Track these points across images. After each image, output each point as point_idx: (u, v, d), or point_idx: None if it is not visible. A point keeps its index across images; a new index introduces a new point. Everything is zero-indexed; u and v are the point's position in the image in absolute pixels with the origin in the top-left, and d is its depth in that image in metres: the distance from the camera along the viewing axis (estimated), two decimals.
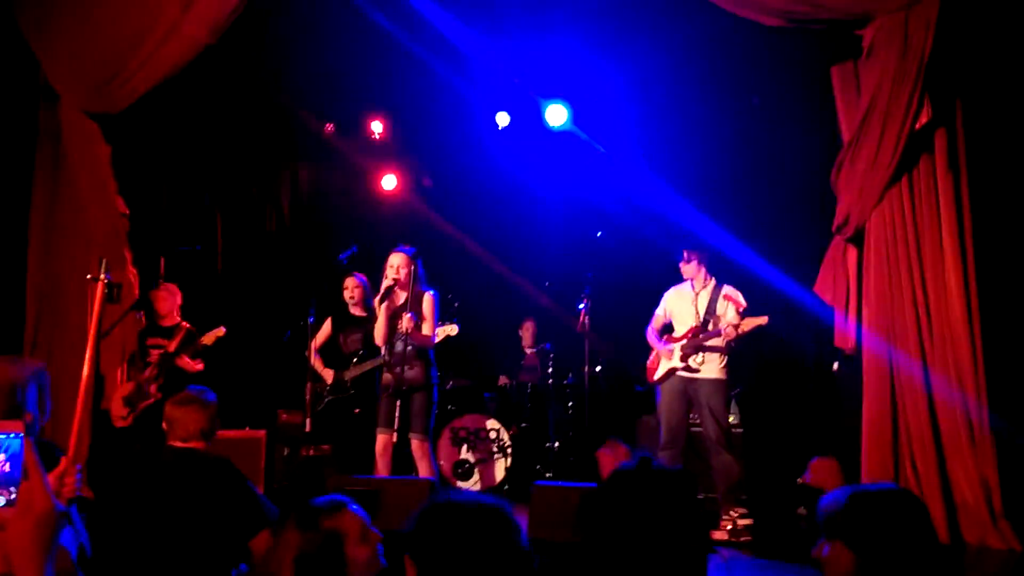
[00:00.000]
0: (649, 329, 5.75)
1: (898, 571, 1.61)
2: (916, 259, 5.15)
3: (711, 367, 5.45)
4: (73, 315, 5.46)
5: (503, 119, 7.53)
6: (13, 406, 2.22)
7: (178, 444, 3.17)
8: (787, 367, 6.76)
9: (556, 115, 7.24)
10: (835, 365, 5.89)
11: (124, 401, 5.71)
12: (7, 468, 1.30)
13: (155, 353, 5.83)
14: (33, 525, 1.27)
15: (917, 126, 5.04)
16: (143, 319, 6.00)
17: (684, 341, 5.50)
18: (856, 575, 1.63)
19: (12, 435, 1.31)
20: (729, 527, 5.20)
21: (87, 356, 2.06)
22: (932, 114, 5.08)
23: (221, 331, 5.95)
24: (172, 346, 5.77)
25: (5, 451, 1.31)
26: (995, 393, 4.97)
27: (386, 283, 5.34)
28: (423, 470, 5.34)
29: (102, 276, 2.44)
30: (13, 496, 1.30)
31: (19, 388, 2.25)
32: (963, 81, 5.14)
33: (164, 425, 3.23)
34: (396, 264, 5.38)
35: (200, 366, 5.97)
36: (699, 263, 5.58)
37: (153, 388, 5.74)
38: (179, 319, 6.01)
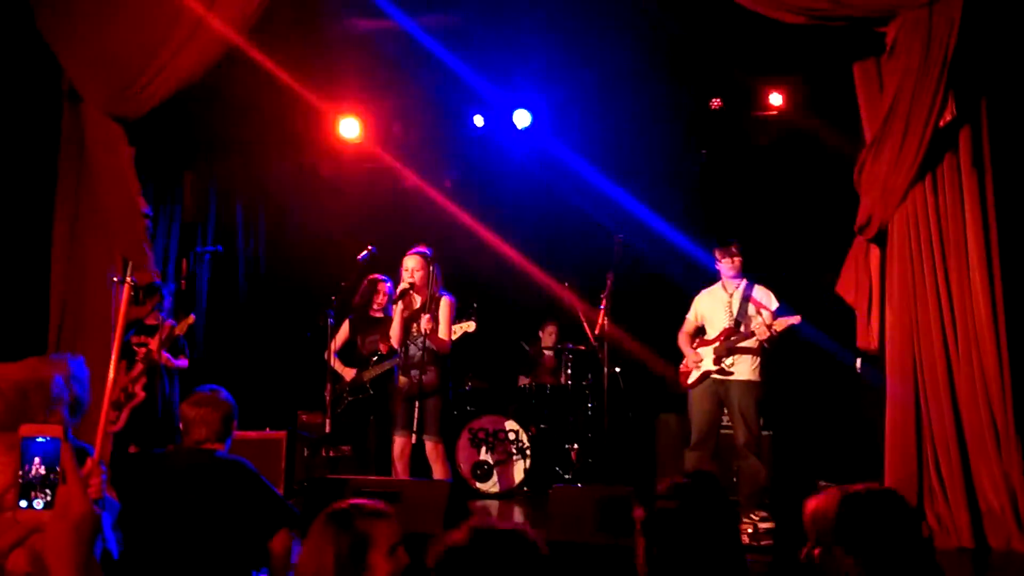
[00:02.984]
0: (681, 334, 5.71)
1: (900, 570, 1.60)
2: (940, 259, 5.09)
3: (743, 368, 5.41)
4: (97, 316, 5.50)
5: (523, 119, 7.53)
6: (48, 405, 2.24)
7: (193, 445, 3.18)
8: (814, 368, 6.70)
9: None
10: (858, 363, 5.82)
11: (112, 406, 5.67)
12: (43, 471, 1.31)
13: (141, 351, 5.82)
14: (71, 529, 1.28)
15: (941, 124, 4.98)
16: (162, 320, 6.01)
17: (716, 344, 5.46)
18: None
19: (49, 439, 1.32)
20: (750, 530, 5.17)
21: (113, 357, 2.07)
22: (956, 112, 5.01)
23: (191, 319, 6.00)
24: (154, 344, 5.76)
25: (42, 454, 1.32)
26: (1021, 395, 4.90)
27: (402, 286, 5.34)
28: (438, 472, 5.35)
29: (128, 278, 2.45)
30: (50, 499, 1.31)
31: (53, 386, 2.27)
32: (988, 78, 5.08)
33: (180, 425, 3.23)
34: (411, 267, 5.39)
35: (184, 363, 5.99)
36: (741, 262, 5.52)
37: (139, 388, 5.73)
38: (162, 318, 5.97)
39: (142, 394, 5.75)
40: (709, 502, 1.72)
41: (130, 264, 2.61)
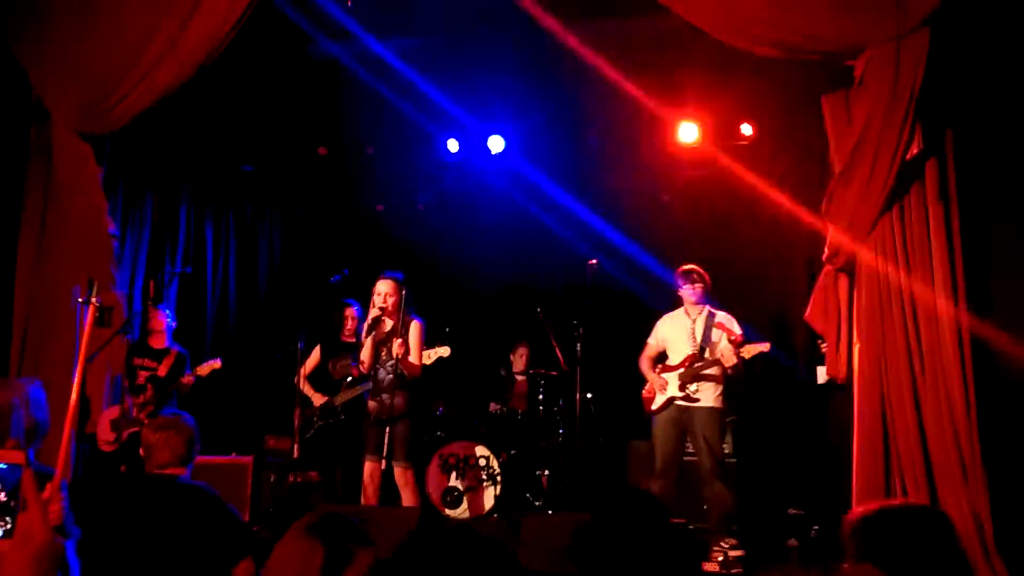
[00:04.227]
0: (642, 358, 5.72)
1: None
2: (908, 290, 5.16)
3: (708, 395, 5.42)
4: (61, 337, 5.39)
5: (497, 144, 7.58)
6: (7, 430, 2.18)
7: (155, 471, 3.12)
8: (778, 394, 6.75)
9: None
10: (819, 372, 5.82)
11: (111, 425, 5.64)
12: (3, 497, 1.27)
13: (142, 375, 5.76)
14: (32, 557, 1.24)
15: (908, 156, 5.07)
16: (127, 342, 5.93)
17: (681, 370, 5.47)
18: None
19: (9, 465, 1.28)
20: (720, 558, 5.15)
21: (76, 380, 2.02)
22: (923, 144, 5.11)
23: (217, 364, 5.91)
24: (163, 370, 5.71)
25: (2, 481, 1.28)
26: (987, 428, 4.96)
27: (373, 312, 5.31)
28: (407, 498, 5.29)
29: (93, 299, 2.40)
30: (10, 527, 1.27)
31: (11, 411, 2.21)
32: (954, 111, 5.18)
33: (141, 452, 3.17)
34: (384, 292, 5.36)
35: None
36: (704, 288, 5.55)
37: (143, 414, 5.68)
38: (167, 343, 5.96)
39: (145, 420, 5.69)
40: (638, 519, 1.68)
41: (95, 284, 2.56)
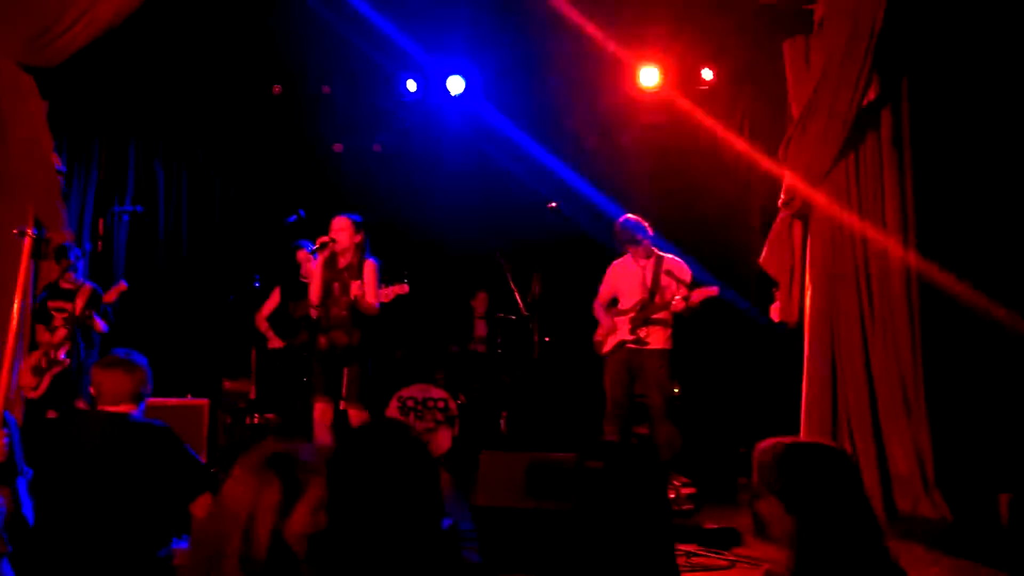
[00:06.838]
0: (596, 304, 5.75)
1: (834, 529, 1.62)
2: (859, 236, 5.25)
3: (657, 338, 5.48)
4: (4, 275, 5.24)
5: (456, 85, 7.45)
6: None
7: (105, 408, 3.08)
8: (728, 334, 6.85)
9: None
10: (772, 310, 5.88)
11: (32, 371, 5.49)
12: None
13: (59, 317, 5.58)
14: None
15: (865, 102, 5.11)
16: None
17: (632, 315, 5.51)
18: (793, 534, 1.64)
19: None
20: (672, 496, 5.27)
21: (14, 312, 1.97)
22: (880, 91, 5.15)
23: (123, 286, 5.74)
24: (78, 308, 5.52)
25: None
26: (931, 367, 5.11)
27: (322, 239, 5.14)
28: None
29: (29, 230, 2.33)
30: None
31: None
32: (911, 59, 5.22)
33: (92, 390, 3.13)
34: (337, 227, 5.22)
35: (104, 328, 5.77)
36: (649, 242, 5.55)
37: (62, 354, 5.51)
38: (79, 279, 5.73)
39: (66, 360, 5.55)
40: (637, 463, 1.73)
41: (35, 217, 2.49)
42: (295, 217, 5.78)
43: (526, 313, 6.53)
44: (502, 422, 7.12)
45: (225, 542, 1.80)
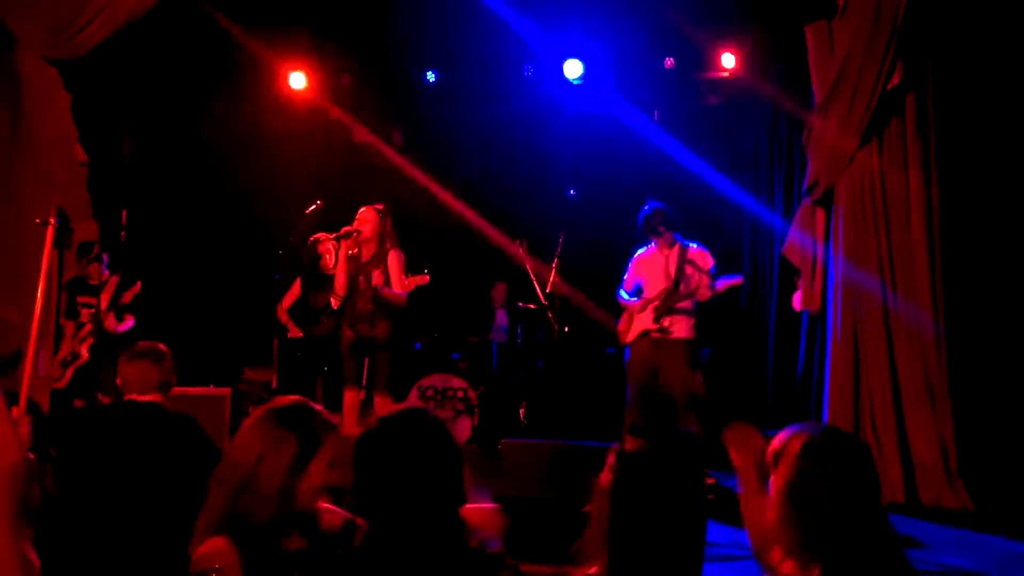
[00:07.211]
0: (620, 293, 5.73)
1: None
2: (884, 222, 5.18)
3: (681, 327, 5.44)
4: (31, 268, 5.32)
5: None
6: None
7: (132, 399, 3.12)
8: (751, 326, 6.81)
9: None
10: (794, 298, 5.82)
11: (60, 363, 5.64)
12: None
13: (85, 312, 5.70)
14: (4, 475, 1.22)
15: (888, 87, 5.03)
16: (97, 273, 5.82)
17: (656, 303, 5.48)
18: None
19: None
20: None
21: (38, 301, 1.99)
22: (904, 76, 5.06)
23: (136, 287, 5.87)
24: (104, 304, 5.63)
25: None
26: (956, 356, 5.05)
27: (346, 228, 5.17)
28: None
29: (52, 220, 2.36)
30: None
31: None
32: (935, 44, 5.13)
33: (118, 381, 3.16)
34: (362, 217, 5.25)
35: (125, 326, 5.89)
36: (671, 232, 5.50)
37: (84, 348, 5.66)
38: (104, 273, 5.81)
39: (86, 355, 5.66)
40: (677, 445, 1.71)
41: (59, 208, 2.52)
42: (315, 208, 5.80)
43: (546, 303, 6.53)
44: (521, 412, 7.13)
45: (236, 490, 1.80)
